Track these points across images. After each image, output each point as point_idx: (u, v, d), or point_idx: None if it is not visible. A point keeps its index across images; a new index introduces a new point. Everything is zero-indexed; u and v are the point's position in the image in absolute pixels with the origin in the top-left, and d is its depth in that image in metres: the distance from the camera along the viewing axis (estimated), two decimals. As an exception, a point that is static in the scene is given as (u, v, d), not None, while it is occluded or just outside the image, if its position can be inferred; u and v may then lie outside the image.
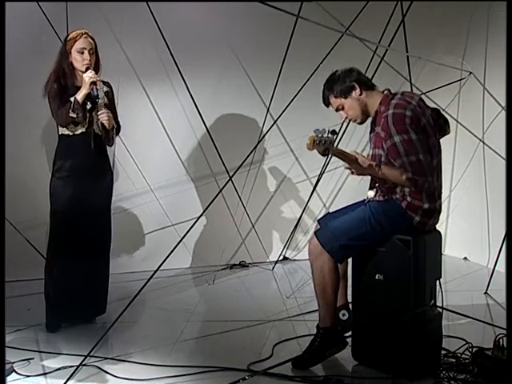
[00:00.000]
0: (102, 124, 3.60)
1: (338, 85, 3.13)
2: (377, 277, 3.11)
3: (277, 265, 5.14)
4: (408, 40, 4.85)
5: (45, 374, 3.09)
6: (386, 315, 3.09)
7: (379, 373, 3.09)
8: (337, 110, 3.20)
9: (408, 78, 4.99)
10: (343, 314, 3.34)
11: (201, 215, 4.33)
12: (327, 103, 3.21)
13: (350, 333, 3.28)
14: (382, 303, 3.10)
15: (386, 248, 3.08)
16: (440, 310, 3.20)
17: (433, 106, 3.50)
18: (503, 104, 4.72)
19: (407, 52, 4.89)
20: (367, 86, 3.15)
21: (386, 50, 4.75)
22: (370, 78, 3.38)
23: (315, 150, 2.90)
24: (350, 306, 3.32)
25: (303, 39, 4.92)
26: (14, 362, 3.14)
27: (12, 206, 4.51)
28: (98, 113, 3.59)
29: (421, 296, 3.04)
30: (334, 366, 3.21)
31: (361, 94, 3.12)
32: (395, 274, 3.06)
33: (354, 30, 4.71)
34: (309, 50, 4.98)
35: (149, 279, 3.53)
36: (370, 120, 3.21)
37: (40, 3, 4.36)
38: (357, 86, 3.12)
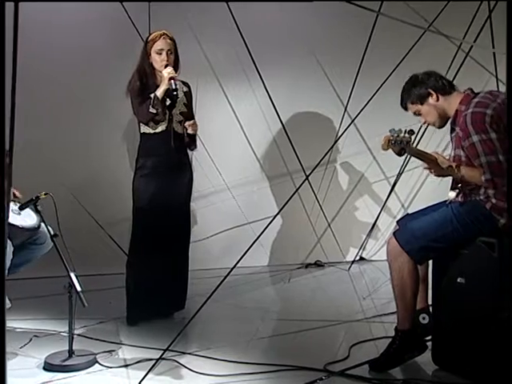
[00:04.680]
0: (185, 127, 3.71)
1: (414, 91, 3.09)
2: (459, 280, 3.01)
3: (353, 265, 5.08)
4: (494, 36, 4.67)
5: (126, 365, 3.17)
6: (468, 319, 2.99)
7: (461, 379, 2.99)
8: (414, 114, 3.17)
9: (494, 74, 4.82)
10: (423, 318, 3.26)
11: (277, 214, 4.33)
12: (405, 107, 3.18)
13: (429, 337, 3.20)
14: (464, 307, 3.00)
15: (469, 250, 2.98)
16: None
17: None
18: None
19: (493, 48, 4.71)
20: (444, 91, 3.07)
21: (471, 46, 4.60)
22: (451, 78, 3.29)
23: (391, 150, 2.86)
24: (431, 309, 3.24)
25: (383, 36, 4.83)
26: (97, 354, 3.24)
27: (95, 204, 4.69)
28: (186, 124, 3.70)
29: (506, 301, 2.92)
30: (414, 369, 3.13)
31: (437, 100, 3.06)
32: (478, 277, 2.95)
33: (437, 26, 4.58)
34: (389, 48, 4.89)
35: (225, 276, 3.55)
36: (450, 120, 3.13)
37: (124, 4, 4.49)
38: (433, 93, 3.06)
